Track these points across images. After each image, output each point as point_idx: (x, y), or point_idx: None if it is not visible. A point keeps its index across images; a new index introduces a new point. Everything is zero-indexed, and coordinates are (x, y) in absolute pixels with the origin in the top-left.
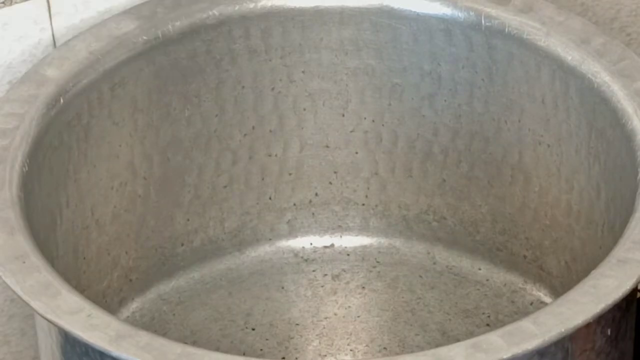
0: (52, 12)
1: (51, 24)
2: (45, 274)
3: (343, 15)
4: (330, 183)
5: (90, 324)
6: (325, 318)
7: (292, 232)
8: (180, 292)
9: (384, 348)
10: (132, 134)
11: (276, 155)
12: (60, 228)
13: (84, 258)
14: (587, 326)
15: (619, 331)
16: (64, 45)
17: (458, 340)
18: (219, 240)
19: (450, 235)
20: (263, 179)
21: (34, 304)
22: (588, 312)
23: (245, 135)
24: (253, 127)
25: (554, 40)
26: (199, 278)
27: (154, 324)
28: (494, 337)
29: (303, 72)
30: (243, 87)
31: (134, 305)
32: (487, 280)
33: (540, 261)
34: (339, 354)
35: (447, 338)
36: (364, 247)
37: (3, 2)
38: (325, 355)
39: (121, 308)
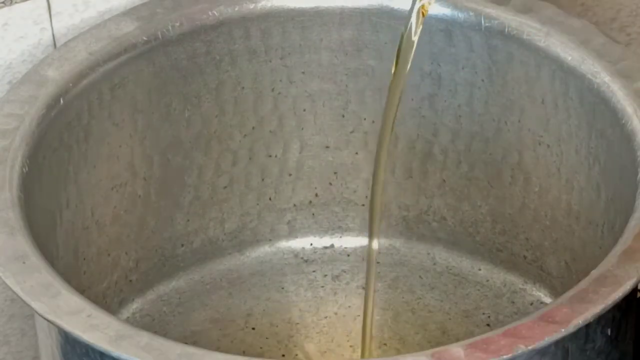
0: (52, 12)
1: (51, 24)
2: (45, 275)
3: (343, 16)
4: (330, 184)
5: (91, 324)
6: (326, 317)
7: (292, 233)
8: (181, 293)
9: (384, 344)
10: (132, 135)
11: (276, 156)
12: (60, 229)
13: (84, 259)
14: (587, 326)
15: (619, 331)
16: (64, 45)
17: (458, 340)
18: (219, 241)
19: (450, 235)
20: (263, 180)
21: (34, 305)
22: (588, 312)
23: (245, 136)
24: (253, 128)
25: (554, 41)
26: (199, 279)
27: (154, 325)
28: (494, 337)
29: (303, 72)
30: (243, 87)
31: (134, 306)
32: (487, 280)
33: (540, 261)
34: (339, 352)
35: (448, 337)
36: (364, 247)
37: (3, 2)
38: (325, 352)
39: (121, 309)
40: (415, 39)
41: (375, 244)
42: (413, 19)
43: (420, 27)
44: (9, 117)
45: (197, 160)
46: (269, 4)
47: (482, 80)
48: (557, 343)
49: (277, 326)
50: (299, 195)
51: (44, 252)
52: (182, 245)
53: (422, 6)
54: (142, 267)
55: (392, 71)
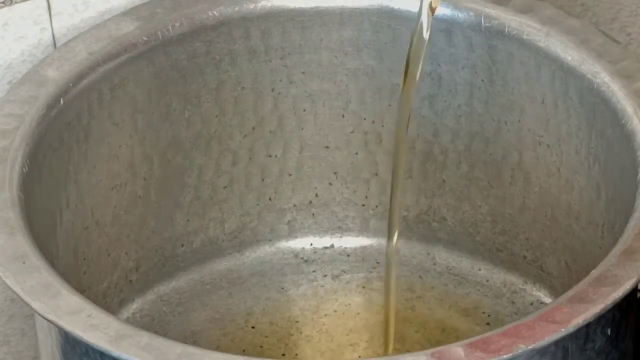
0: (52, 12)
1: (51, 24)
2: (45, 275)
3: (343, 16)
4: (330, 184)
5: (91, 324)
6: (325, 315)
7: (292, 233)
8: (181, 293)
9: (384, 344)
10: (132, 135)
11: (276, 156)
12: (60, 229)
13: (84, 259)
14: (587, 326)
15: (619, 331)
16: (64, 45)
17: (458, 339)
18: (219, 241)
19: (450, 235)
20: (263, 180)
21: (35, 305)
22: (588, 312)
23: (245, 136)
24: (253, 128)
25: (554, 41)
26: (199, 279)
27: (154, 325)
28: (494, 336)
29: (303, 72)
30: (243, 87)
31: (134, 306)
32: (487, 280)
33: (540, 262)
34: (339, 350)
35: (447, 335)
36: (364, 247)
37: (3, 2)
38: (325, 351)
39: (121, 309)
40: (426, 36)
41: (393, 244)
42: (424, 16)
43: (430, 23)
44: (9, 117)
45: (197, 160)
46: (269, 4)
47: (482, 80)
48: (557, 343)
49: (276, 324)
50: (299, 195)
51: (44, 252)
52: (182, 245)
53: (431, 2)
54: (142, 267)
55: (403, 76)
